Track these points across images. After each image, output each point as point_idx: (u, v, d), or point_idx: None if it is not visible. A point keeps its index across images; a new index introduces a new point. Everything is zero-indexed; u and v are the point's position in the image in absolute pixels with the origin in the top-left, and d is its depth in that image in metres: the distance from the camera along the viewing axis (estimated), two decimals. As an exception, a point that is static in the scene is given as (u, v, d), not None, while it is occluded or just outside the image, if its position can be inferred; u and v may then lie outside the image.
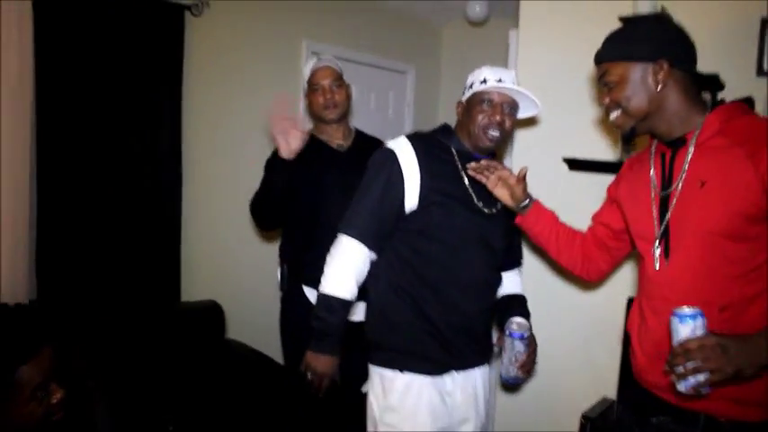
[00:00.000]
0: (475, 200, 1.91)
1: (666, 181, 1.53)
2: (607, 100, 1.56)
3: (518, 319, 1.94)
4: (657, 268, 1.53)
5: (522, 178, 1.87)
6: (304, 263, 2.57)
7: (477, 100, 1.89)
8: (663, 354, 1.40)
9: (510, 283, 2.13)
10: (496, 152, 2.08)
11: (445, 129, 2.03)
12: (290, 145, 2.36)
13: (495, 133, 1.88)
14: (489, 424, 2.14)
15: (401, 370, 1.91)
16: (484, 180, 1.87)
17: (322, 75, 2.57)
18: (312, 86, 2.58)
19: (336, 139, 2.64)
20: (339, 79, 2.60)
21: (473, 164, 1.88)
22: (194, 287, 3.13)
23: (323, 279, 1.94)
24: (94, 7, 2.67)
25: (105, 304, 2.76)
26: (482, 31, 4.62)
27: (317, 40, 3.77)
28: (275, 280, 2.67)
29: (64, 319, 2.53)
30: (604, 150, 2.44)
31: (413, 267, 1.91)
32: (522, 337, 1.91)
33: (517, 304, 2.09)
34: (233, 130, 3.35)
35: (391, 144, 1.94)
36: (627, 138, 1.58)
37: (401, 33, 4.53)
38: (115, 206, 2.81)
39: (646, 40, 1.49)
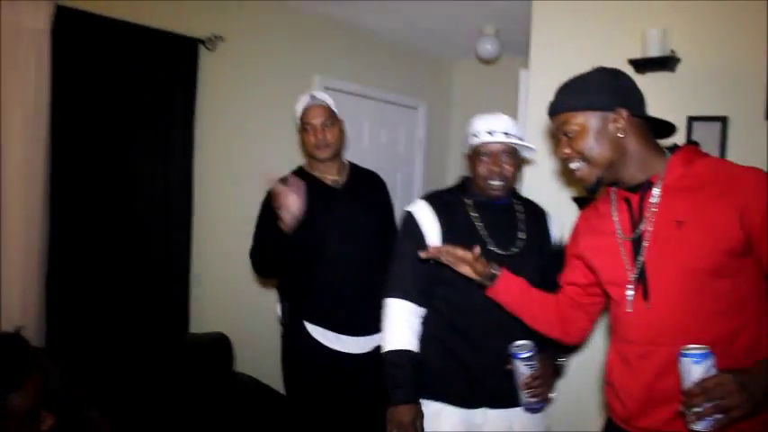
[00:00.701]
0: (489, 245, 1.97)
1: (635, 224, 1.55)
2: (568, 150, 1.56)
3: (520, 342, 1.88)
4: (631, 310, 1.53)
5: (477, 255, 1.81)
6: (305, 299, 2.57)
7: (475, 152, 2.00)
8: (657, 397, 1.43)
9: None
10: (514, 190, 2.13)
11: (464, 182, 2.13)
12: (292, 212, 2.35)
13: (496, 182, 1.98)
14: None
15: (433, 399, 1.99)
16: (444, 261, 1.85)
17: (313, 114, 2.55)
18: (303, 125, 2.56)
19: (331, 175, 2.63)
20: (331, 117, 2.57)
21: (430, 249, 1.87)
22: (203, 319, 3.13)
23: (382, 342, 2.07)
24: (112, 39, 2.72)
25: (114, 334, 2.77)
26: (493, 68, 4.66)
27: (330, 75, 3.82)
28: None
29: (72, 348, 2.55)
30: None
31: (443, 315, 2.02)
32: (519, 357, 1.87)
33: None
34: (243, 163, 3.39)
35: (410, 207, 2.10)
36: (592, 189, 1.58)
37: (413, 69, 4.58)
38: (125, 237, 2.84)
39: (603, 91, 1.52)
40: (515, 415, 2.00)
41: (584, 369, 2.46)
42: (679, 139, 2.34)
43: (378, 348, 2.52)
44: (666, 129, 1.62)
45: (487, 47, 4.04)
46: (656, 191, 1.50)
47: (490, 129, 1.97)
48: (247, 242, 2.68)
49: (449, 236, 1.98)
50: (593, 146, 1.52)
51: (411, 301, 2.03)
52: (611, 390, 1.62)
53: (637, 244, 1.53)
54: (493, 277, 1.84)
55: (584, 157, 1.54)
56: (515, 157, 2.01)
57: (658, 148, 1.55)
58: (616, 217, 1.61)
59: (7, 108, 2.47)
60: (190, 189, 3.07)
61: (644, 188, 1.53)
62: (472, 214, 2.04)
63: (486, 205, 2.04)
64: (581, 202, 2.51)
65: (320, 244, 2.53)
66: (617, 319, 1.62)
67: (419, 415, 1.96)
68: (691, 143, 1.61)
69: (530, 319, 1.87)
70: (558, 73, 2.31)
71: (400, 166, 4.52)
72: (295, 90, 3.59)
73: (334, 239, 2.54)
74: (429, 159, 4.79)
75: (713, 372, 1.28)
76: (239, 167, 3.37)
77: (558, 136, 1.60)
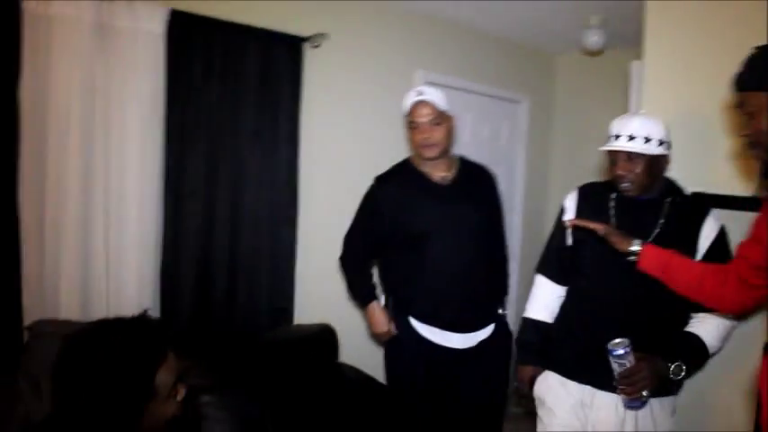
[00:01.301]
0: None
1: None
2: (747, 131, 1.47)
3: (617, 339, 1.94)
4: None
5: (603, 231, 1.97)
6: (410, 297, 2.58)
7: (606, 155, 2.12)
8: None
9: (696, 322, 2.07)
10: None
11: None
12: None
13: (625, 185, 2.07)
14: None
15: (553, 370, 2.22)
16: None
17: (420, 112, 2.48)
18: (410, 123, 2.52)
19: (439, 171, 2.59)
20: (439, 117, 2.50)
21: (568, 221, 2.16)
22: (308, 311, 3.19)
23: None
24: (221, 39, 2.81)
25: (223, 326, 2.87)
26: (598, 61, 4.52)
27: (432, 69, 3.81)
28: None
29: (183, 338, 2.66)
30: (736, 185, 2.30)
31: (572, 298, 2.26)
32: (612, 354, 1.93)
33: (684, 341, 2.04)
34: (347, 158, 3.43)
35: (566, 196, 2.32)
36: (766, 173, 1.49)
37: (515, 63, 4.51)
38: (234, 232, 2.92)
39: None
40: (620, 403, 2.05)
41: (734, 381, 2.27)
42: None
43: (481, 343, 2.54)
44: None
45: (593, 38, 3.92)
46: None
47: (616, 132, 2.05)
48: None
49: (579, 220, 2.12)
50: (764, 129, 1.42)
51: (551, 279, 2.32)
52: (761, 397, 1.52)
53: None
54: (635, 253, 1.90)
55: (756, 141, 1.46)
56: (646, 159, 2.02)
57: None
58: None
59: (125, 108, 2.61)
60: (295, 184, 3.13)
61: None
62: (611, 207, 2.15)
63: (628, 201, 2.12)
64: (703, 199, 2.35)
65: (425, 242, 2.52)
66: None
67: (538, 374, 2.27)
68: None
69: (682, 288, 1.86)
70: (676, 64, 2.22)
71: (502, 159, 4.46)
72: (398, 85, 3.62)
73: (439, 237, 2.52)
74: (532, 153, 4.71)
75: None
76: (343, 163, 3.41)
77: (738, 114, 1.52)
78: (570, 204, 2.27)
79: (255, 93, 2.94)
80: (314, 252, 3.28)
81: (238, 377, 2.48)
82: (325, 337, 2.84)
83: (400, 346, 2.61)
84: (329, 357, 2.82)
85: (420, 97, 2.48)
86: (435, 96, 2.50)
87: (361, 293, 2.72)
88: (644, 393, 1.96)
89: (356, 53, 3.45)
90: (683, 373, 1.99)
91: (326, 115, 3.33)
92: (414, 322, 2.57)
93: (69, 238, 2.51)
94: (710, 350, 2.03)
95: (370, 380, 2.82)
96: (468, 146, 4.00)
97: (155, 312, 2.71)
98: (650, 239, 2.00)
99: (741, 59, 1.50)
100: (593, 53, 4.34)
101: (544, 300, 2.33)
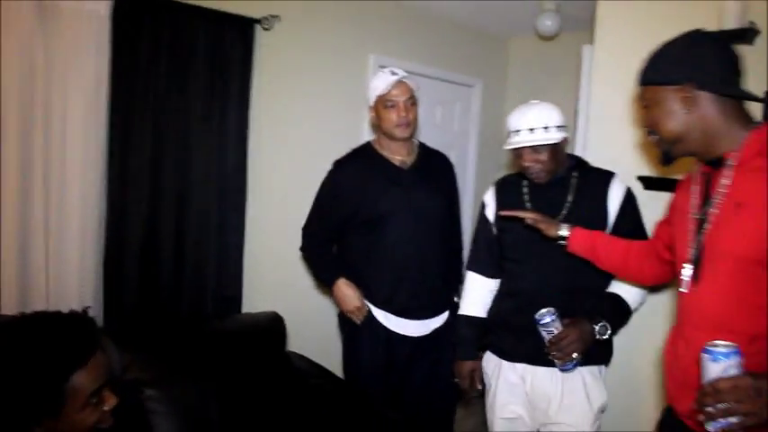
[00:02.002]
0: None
1: (703, 202, 1.51)
2: (644, 123, 1.60)
3: (542, 310, 2.07)
4: (685, 290, 1.53)
5: (539, 219, 2.06)
6: (367, 281, 2.56)
7: (512, 154, 2.22)
8: (689, 382, 1.37)
9: (616, 283, 2.21)
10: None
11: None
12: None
13: (534, 174, 2.17)
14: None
15: (494, 353, 2.34)
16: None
17: (399, 91, 2.49)
18: (386, 102, 2.49)
19: (399, 155, 2.59)
20: (413, 97, 2.53)
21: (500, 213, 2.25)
22: (256, 299, 3.14)
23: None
24: (169, 20, 2.71)
25: (169, 316, 2.80)
26: (551, 45, 4.53)
27: (384, 53, 3.77)
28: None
29: (128, 330, 2.58)
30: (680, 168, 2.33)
31: (503, 284, 2.35)
32: (538, 323, 2.07)
33: (606, 302, 2.19)
34: (299, 142, 3.37)
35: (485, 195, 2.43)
36: (664, 162, 1.59)
37: (468, 46, 4.49)
38: (180, 218, 2.84)
39: (674, 63, 1.49)
40: (544, 374, 2.20)
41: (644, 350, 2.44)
42: (756, 116, 2.23)
43: (434, 331, 2.55)
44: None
45: (547, 23, 3.93)
46: (729, 169, 1.44)
47: (516, 127, 2.14)
48: (300, 221, 2.69)
49: (499, 212, 2.27)
50: (660, 120, 1.52)
51: (482, 274, 2.39)
52: (664, 369, 1.62)
53: (702, 223, 1.50)
54: (564, 237, 2.03)
55: (654, 131, 1.56)
56: (547, 146, 2.12)
57: (743, 121, 1.47)
58: (694, 192, 1.57)
59: (68, 91, 2.49)
60: (244, 169, 3.06)
61: (717, 165, 1.48)
62: (524, 194, 2.28)
63: (537, 185, 2.23)
64: (648, 182, 2.43)
65: (383, 226, 2.51)
66: (677, 298, 1.60)
67: (475, 368, 2.39)
68: None
69: (607, 266, 2.02)
70: (626, 48, 2.25)
71: (454, 144, 4.45)
72: (350, 70, 3.58)
73: (397, 221, 2.52)
74: (484, 137, 4.71)
75: (732, 372, 1.22)
76: (294, 148, 3.35)
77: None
78: (489, 199, 2.39)
79: (204, 76, 2.85)
80: (263, 240, 3.22)
81: (184, 369, 2.42)
82: (272, 325, 2.79)
83: (359, 333, 2.59)
84: (277, 346, 2.78)
85: (399, 77, 2.49)
86: (410, 79, 2.54)
87: (326, 273, 2.70)
88: (574, 356, 2.08)
89: (308, 36, 3.37)
90: (608, 332, 2.12)
91: (278, 99, 3.26)
92: (371, 308, 2.56)
93: (6, 228, 2.39)
94: (631, 306, 2.19)
95: (318, 368, 2.79)
96: (420, 130, 3.98)
97: (96, 303, 2.63)
98: (563, 212, 2.17)
99: (704, 35, 1.54)
100: (547, 37, 4.35)
101: (476, 295, 2.41)
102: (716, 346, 1.25)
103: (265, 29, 3.08)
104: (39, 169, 2.45)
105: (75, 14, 2.47)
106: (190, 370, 2.43)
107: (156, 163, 2.75)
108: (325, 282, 2.74)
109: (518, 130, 2.11)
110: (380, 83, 2.50)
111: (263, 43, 3.10)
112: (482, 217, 2.41)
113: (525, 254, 2.25)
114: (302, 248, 2.74)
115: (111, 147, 2.62)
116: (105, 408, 1.48)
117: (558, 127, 2.12)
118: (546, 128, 2.09)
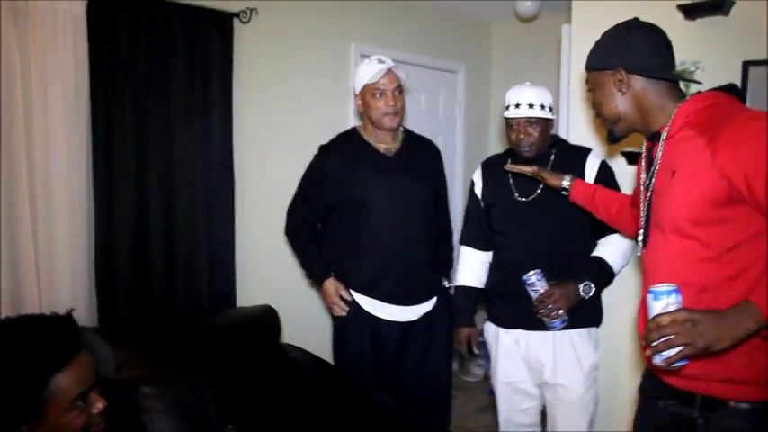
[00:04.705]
0: (515, 193, 2.43)
1: (648, 173, 1.66)
2: (592, 104, 1.75)
3: (530, 272, 2.26)
4: (640, 255, 1.69)
5: (536, 172, 2.27)
6: (351, 268, 2.57)
7: (506, 122, 2.39)
8: None
9: (600, 248, 2.41)
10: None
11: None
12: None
13: (524, 148, 2.36)
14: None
15: (492, 322, 2.55)
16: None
17: (388, 80, 2.49)
18: (374, 91, 2.49)
19: (384, 143, 2.59)
20: (401, 86, 2.54)
21: (508, 164, 2.42)
22: (250, 293, 3.14)
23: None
24: (146, 17, 2.70)
25: (164, 313, 2.80)
26: (533, 27, 4.54)
27: (366, 42, 3.75)
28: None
29: (121, 328, 2.58)
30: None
31: (494, 255, 2.54)
32: (526, 283, 2.26)
33: (589, 264, 2.36)
34: (283, 134, 3.36)
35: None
36: (611, 141, 1.75)
37: (450, 32, 4.48)
38: (169, 214, 2.84)
39: (607, 50, 1.65)
40: (538, 337, 2.39)
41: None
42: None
43: (424, 316, 2.58)
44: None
45: (526, 4, 3.95)
46: (662, 142, 1.59)
47: (516, 101, 2.32)
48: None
49: (487, 191, 2.54)
50: (600, 102, 1.69)
51: (474, 247, 2.60)
52: (638, 331, 1.72)
53: (647, 192, 1.65)
54: (567, 189, 2.21)
55: (598, 113, 1.72)
56: (542, 124, 2.34)
57: (674, 98, 1.61)
58: (643, 166, 1.72)
59: (48, 92, 2.47)
60: (230, 164, 3.05)
61: (655, 139, 1.63)
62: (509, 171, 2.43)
63: (520, 162, 2.38)
64: (631, 157, 2.48)
65: (367, 212, 2.52)
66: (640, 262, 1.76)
67: (472, 334, 2.59)
68: (725, 87, 1.59)
69: (603, 215, 2.17)
70: (602, 25, 2.25)
71: (441, 130, 4.45)
72: (332, 59, 3.57)
73: (382, 208, 2.52)
74: (470, 122, 4.71)
75: (672, 309, 1.35)
76: (280, 139, 3.35)
77: None
78: (477, 178, 2.59)
79: (185, 72, 2.84)
80: (254, 233, 3.23)
81: (179, 365, 2.43)
82: (266, 318, 2.80)
83: (346, 321, 2.60)
84: (272, 339, 2.79)
85: (388, 65, 2.49)
86: (397, 68, 2.54)
87: (314, 271, 2.73)
88: (560, 313, 2.26)
89: (287, 28, 3.36)
90: (592, 291, 2.31)
91: (260, 92, 3.26)
92: (356, 296, 2.57)
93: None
94: (614, 267, 2.37)
95: (314, 358, 2.80)
96: (405, 118, 3.98)
97: (90, 302, 2.63)
98: (541, 187, 2.35)
99: (662, 23, 1.65)
100: (527, 19, 4.36)
101: (470, 267, 2.61)
102: (658, 286, 1.39)
103: (243, 22, 3.07)
104: (23, 173, 2.44)
105: (49, 14, 2.45)
106: (185, 366, 2.43)
107: (141, 161, 2.74)
108: (313, 277, 2.77)
109: (518, 104, 2.31)
110: (368, 71, 2.49)
111: (243, 37, 3.10)
112: (471, 194, 2.60)
113: (511, 226, 2.44)
114: (287, 230, 2.75)
115: (94, 147, 2.61)
116: (93, 411, 1.47)
117: (551, 108, 2.34)
118: (542, 106, 2.31)
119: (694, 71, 2.32)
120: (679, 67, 2.32)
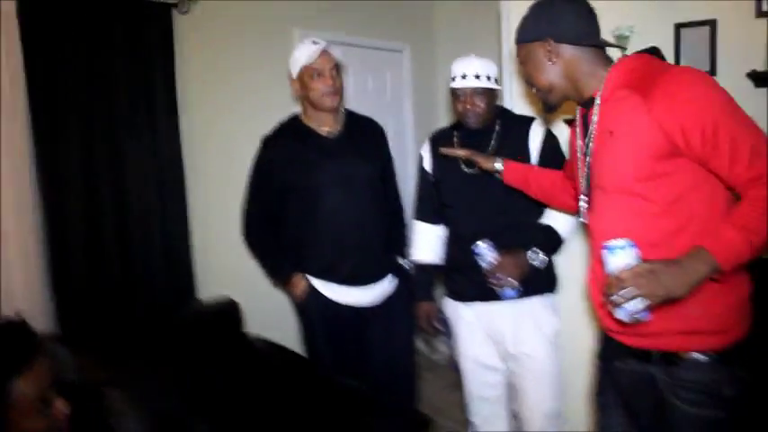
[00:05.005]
0: (462, 166, 2.43)
1: (585, 139, 1.70)
2: (523, 77, 1.80)
3: (478, 242, 2.27)
4: (585, 221, 1.72)
5: (473, 154, 2.30)
6: (305, 253, 2.59)
7: (453, 93, 2.38)
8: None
9: (547, 215, 2.42)
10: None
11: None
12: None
13: (471, 119, 2.37)
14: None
15: (451, 298, 2.57)
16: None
17: (325, 60, 2.50)
18: (312, 71, 2.49)
19: (326, 125, 2.59)
20: (338, 65, 2.54)
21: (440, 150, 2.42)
22: (210, 286, 3.13)
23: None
24: (80, 12, 2.64)
25: (123, 313, 2.77)
26: (474, 4, 4.55)
27: (308, 26, 3.72)
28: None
29: (83, 331, 2.54)
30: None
31: (448, 230, 2.55)
32: (475, 253, 2.27)
33: (537, 232, 2.39)
34: (232, 123, 3.33)
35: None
36: (547, 110, 1.80)
37: (393, 12, 4.48)
38: (120, 214, 2.80)
39: (533, 22, 1.69)
40: (495, 309, 2.41)
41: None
42: (668, 47, 2.33)
43: (385, 300, 2.65)
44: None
45: (466, -20, 3.94)
46: (596, 105, 1.63)
47: (463, 72, 2.31)
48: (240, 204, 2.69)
49: (435, 165, 2.54)
50: (531, 73, 1.73)
51: (426, 221, 2.60)
52: (589, 296, 1.76)
53: (585, 157, 1.69)
54: (498, 171, 2.24)
55: (531, 84, 1.76)
56: (488, 95, 2.34)
57: (603, 63, 1.66)
58: (578, 132, 1.76)
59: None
60: (180, 158, 3.02)
61: (588, 104, 1.67)
62: (455, 142, 2.47)
63: (466, 134, 2.45)
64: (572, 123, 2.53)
65: (317, 197, 2.52)
66: (585, 229, 1.78)
67: (431, 309, 2.58)
68: (648, 50, 1.66)
69: (539, 195, 2.21)
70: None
71: (389, 110, 4.47)
72: (276, 46, 3.54)
73: (331, 191, 2.53)
74: (418, 101, 4.73)
75: (631, 262, 1.38)
76: (228, 128, 3.32)
77: None
78: (426, 152, 2.60)
79: (125, 67, 2.80)
80: (209, 225, 3.21)
81: (142, 364, 2.40)
82: (227, 310, 2.78)
83: (306, 308, 2.62)
84: (235, 330, 2.78)
85: (323, 46, 2.51)
86: (330, 48, 2.56)
87: (280, 273, 2.73)
88: (512, 282, 2.25)
89: (228, 16, 3.32)
90: (540, 257, 2.33)
91: (205, 83, 3.22)
92: (314, 281, 2.59)
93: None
94: (562, 234, 2.39)
95: (277, 347, 2.79)
96: (353, 101, 3.98)
97: (45, 307, 2.58)
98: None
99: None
100: (470, -5, 4.38)
101: (425, 242, 2.62)
102: (612, 241, 1.41)
103: (183, 12, 3.03)
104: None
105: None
106: (148, 364, 2.41)
107: (87, 161, 2.69)
108: (278, 277, 2.76)
109: (465, 75, 2.30)
110: (303, 53, 2.50)
111: (182, 27, 3.05)
112: (421, 169, 2.62)
113: (460, 199, 2.46)
114: (245, 234, 2.74)
115: (37, 149, 2.56)
116: (57, 415, 1.46)
117: (496, 80, 2.35)
118: (488, 77, 2.31)
119: (629, 35, 2.39)
120: (614, 32, 2.39)
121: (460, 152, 2.33)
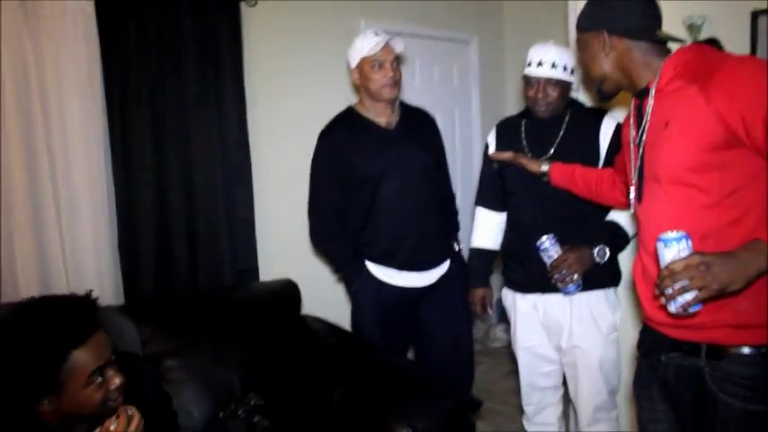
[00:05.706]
0: (527, 154, 2.40)
1: (638, 129, 1.68)
2: (580, 64, 1.83)
3: (543, 237, 2.25)
4: (635, 210, 1.71)
5: (511, 158, 2.38)
6: (365, 240, 2.63)
7: (525, 79, 2.34)
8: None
9: (613, 211, 2.36)
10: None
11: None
12: None
13: (541, 107, 2.34)
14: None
15: (509, 288, 2.58)
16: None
17: (387, 51, 2.53)
18: (373, 62, 2.53)
19: (385, 116, 2.63)
20: (398, 57, 2.58)
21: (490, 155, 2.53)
22: (273, 268, 3.20)
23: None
24: (154, 5, 2.76)
25: (189, 292, 2.89)
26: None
27: (376, 17, 3.76)
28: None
29: (145, 305, 2.67)
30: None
31: (508, 218, 2.55)
32: (540, 248, 2.26)
33: (604, 228, 2.35)
34: (297, 112, 3.40)
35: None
36: (600, 98, 1.80)
37: (461, 2, 4.47)
38: (189, 198, 2.92)
39: (592, 12, 1.70)
40: (554, 301, 2.39)
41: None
42: (743, 36, 2.24)
43: (438, 279, 2.67)
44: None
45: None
46: (651, 96, 1.61)
47: (540, 59, 2.26)
48: (304, 192, 2.74)
49: (500, 150, 2.49)
50: (586, 62, 1.75)
51: (488, 207, 2.62)
52: (636, 287, 1.74)
53: (639, 148, 1.67)
54: (545, 173, 2.27)
55: (585, 71, 1.78)
56: (561, 86, 2.30)
57: (658, 54, 1.63)
58: (632, 123, 1.74)
59: (63, 88, 2.57)
60: (247, 145, 3.11)
61: (643, 94, 1.65)
62: (522, 131, 2.47)
63: (534, 123, 2.44)
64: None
65: (377, 185, 2.56)
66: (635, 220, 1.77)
67: (486, 294, 2.63)
68: (705, 41, 1.63)
69: (585, 194, 2.22)
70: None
71: (456, 101, 4.46)
72: (342, 37, 3.55)
73: (390, 179, 2.57)
74: (485, 90, 4.72)
75: (684, 254, 1.36)
76: (294, 117, 3.39)
77: None
78: (491, 140, 2.59)
79: (195, 58, 2.91)
80: (273, 210, 3.29)
81: (202, 338, 2.50)
82: (287, 291, 2.87)
83: (361, 292, 2.66)
84: (293, 311, 2.85)
85: (386, 37, 2.53)
86: (392, 39, 2.57)
87: (351, 272, 2.73)
88: (575, 277, 2.25)
89: (295, 8, 3.40)
90: (606, 255, 2.29)
91: (272, 74, 3.31)
92: (371, 267, 2.62)
93: (20, 222, 2.50)
94: (629, 232, 2.32)
95: (334, 328, 2.86)
96: (419, 90, 4.00)
97: (116, 280, 2.74)
98: (554, 147, 2.37)
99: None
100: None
101: (484, 228, 2.64)
102: (667, 233, 1.39)
103: (251, 5, 3.12)
104: (44, 164, 2.55)
105: (58, 11, 2.53)
106: (208, 339, 2.52)
107: (158, 147, 2.82)
108: (347, 268, 2.76)
109: (541, 63, 2.26)
110: (365, 44, 2.54)
111: (251, 20, 3.14)
112: (485, 156, 2.61)
113: (523, 186, 2.43)
114: (312, 234, 2.78)
115: (112, 136, 2.70)
116: (110, 386, 1.53)
117: (572, 71, 2.30)
118: (565, 68, 2.27)
119: (701, 24, 2.30)
120: (686, 21, 2.31)
121: (506, 155, 2.38)
